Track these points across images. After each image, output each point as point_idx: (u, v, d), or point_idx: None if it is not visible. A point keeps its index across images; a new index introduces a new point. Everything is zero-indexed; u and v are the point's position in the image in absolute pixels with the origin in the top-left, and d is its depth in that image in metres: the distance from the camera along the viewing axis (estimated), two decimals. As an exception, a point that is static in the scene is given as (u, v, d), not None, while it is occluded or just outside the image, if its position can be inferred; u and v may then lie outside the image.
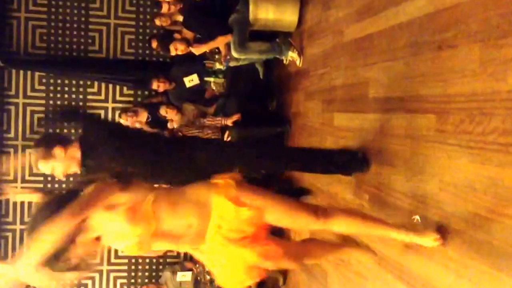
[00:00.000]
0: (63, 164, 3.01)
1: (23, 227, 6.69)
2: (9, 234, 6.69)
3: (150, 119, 6.05)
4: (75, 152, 3.05)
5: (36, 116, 6.69)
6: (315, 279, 4.32)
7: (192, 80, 5.74)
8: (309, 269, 4.51)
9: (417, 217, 2.66)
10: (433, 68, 2.61)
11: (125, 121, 6.15)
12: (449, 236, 2.39)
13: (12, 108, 6.63)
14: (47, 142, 3.02)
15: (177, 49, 5.46)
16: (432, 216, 2.55)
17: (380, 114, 3.16)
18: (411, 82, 2.80)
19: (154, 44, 6.21)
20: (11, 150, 6.63)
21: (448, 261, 2.40)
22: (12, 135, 6.63)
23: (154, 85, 5.97)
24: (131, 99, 6.89)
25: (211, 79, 5.91)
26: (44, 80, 6.70)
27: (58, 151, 2.99)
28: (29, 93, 6.67)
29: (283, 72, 5.45)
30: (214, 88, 5.96)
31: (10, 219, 6.69)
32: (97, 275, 6.91)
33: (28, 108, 6.68)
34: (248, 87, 5.53)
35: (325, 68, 4.23)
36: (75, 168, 3.08)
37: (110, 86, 6.84)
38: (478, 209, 2.20)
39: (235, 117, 5.12)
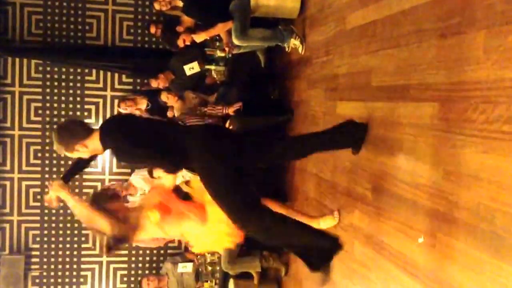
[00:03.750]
0: (86, 154, 3.17)
1: (20, 218, 6.67)
2: (7, 226, 6.67)
3: (149, 106, 6.02)
4: (95, 143, 3.10)
5: (32, 104, 6.64)
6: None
7: (193, 68, 5.70)
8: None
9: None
10: (437, 55, 2.58)
11: (124, 109, 6.12)
12: (454, 226, 2.37)
13: (8, 96, 6.58)
14: (68, 140, 3.09)
15: (185, 41, 5.44)
16: (435, 205, 2.53)
17: (384, 103, 3.13)
18: (415, 70, 2.78)
19: (153, 29, 6.18)
20: (8, 140, 6.59)
21: (451, 251, 2.40)
22: (8, 124, 6.59)
23: (154, 84, 5.96)
24: (130, 87, 6.85)
25: (212, 67, 5.88)
26: (40, 68, 6.65)
27: (79, 147, 3.09)
28: (25, 82, 6.62)
29: (285, 60, 5.42)
30: (215, 76, 5.93)
31: (7, 210, 6.67)
32: (96, 266, 6.90)
33: (25, 97, 6.63)
34: (249, 75, 5.50)
35: (327, 55, 4.20)
36: (99, 153, 3.24)
37: (109, 74, 6.80)
38: (482, 199, 2.19)
39: (237, 105, 5.09)
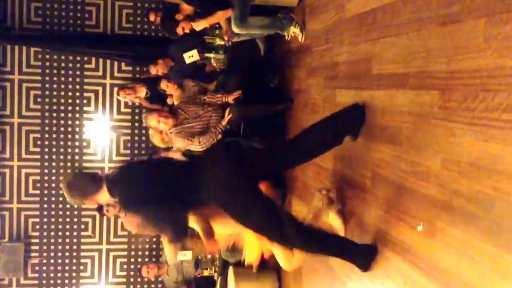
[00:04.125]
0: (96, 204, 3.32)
1: (20, 206, 6.68)
2: (6, 213, 6.68)
3: (149, 95, 6.01)
4: (105, 195, 3.12)
5: (32, 92, 6.62)
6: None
7: (192, 56, 5.68)
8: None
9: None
10: (437, 43, 2.57)
11: (124, 98, 6.11)
12: (453, 215, 2.38)
13: (8, 84, 6.57)
14: (79, 198, 3.13)
15: (184, 28, 5.42)
16: (434, 194, 2.53)
17: (383, 91, 3.13)
18: (415, 58, 2.77)
19: (152, 17, 6.16)
20: (7, 127, 6.59)
21: (450, 239, 2.40)
22: (7, 112, 6.58)
23: (153, 71, 5.94)
24: (130, 75, 6.84)
25: (211, 55, 5.86)
26: (39, 56, 6.64)
27: (89, 202, 3.15)
28: (24, 69, 6.61)
29: (284, 48, 5.40)
30: (214, 64, 5.91)
31: (7, 197, 6.67)
32: (96, 254, 6.92)
33: (24, 85, 6.62)
34: (249, 64, 5.48)
35: (327, 44, 4.18)
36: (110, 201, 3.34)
37: (108, 61, 6.77)
38: (481, 187, 2.19)
39: (236, 94, 5.07)
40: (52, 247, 6.80)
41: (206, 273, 6.05)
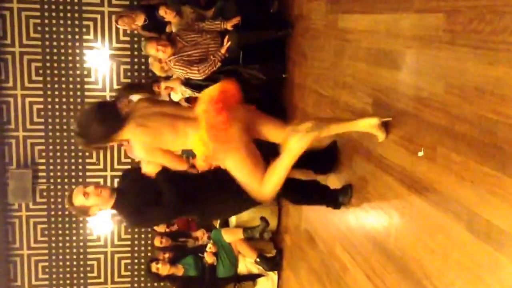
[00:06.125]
0: (94, 201, 3.24)
1: (25, 134, 6.74)
2: (13, 141, 6.75)
3: (147, 22, 5.91)
4: (107, 194, 3.27)
5: (31, 21, 6.52)
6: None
7: (190, -19, 5.56)
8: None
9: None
10: (443, -36, 2.49)
11: (123, 26, 6.01)
12: (455, 139, 2.39)
13: (7, 13, 6.54)
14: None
15: None
16: (437, 119, 2.54)
17: (387, 15, 3.07)
18: (420, -21, 2.70)
19: None
20: (9, 57, 6.55)
21: (451, 164, 2.42)
22: (8, 41, 6.53)
23: None
24: (127, 2, 6.71)
25: (209, -20, 5.72)
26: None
27: (92, 189, 3.24)
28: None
29: (284, -29, 5.25)
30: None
31: (12, 126, 6.72)
32: (101, 180, 7.04)
33: (23, 13, 6.58)
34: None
35: (329, -34, 4.06)
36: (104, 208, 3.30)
37: (106, -12, 6.64)
38: (484, 111, 2.19)
39: (235, 20, 4.98)
40: (59, 173, 6.91)
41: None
